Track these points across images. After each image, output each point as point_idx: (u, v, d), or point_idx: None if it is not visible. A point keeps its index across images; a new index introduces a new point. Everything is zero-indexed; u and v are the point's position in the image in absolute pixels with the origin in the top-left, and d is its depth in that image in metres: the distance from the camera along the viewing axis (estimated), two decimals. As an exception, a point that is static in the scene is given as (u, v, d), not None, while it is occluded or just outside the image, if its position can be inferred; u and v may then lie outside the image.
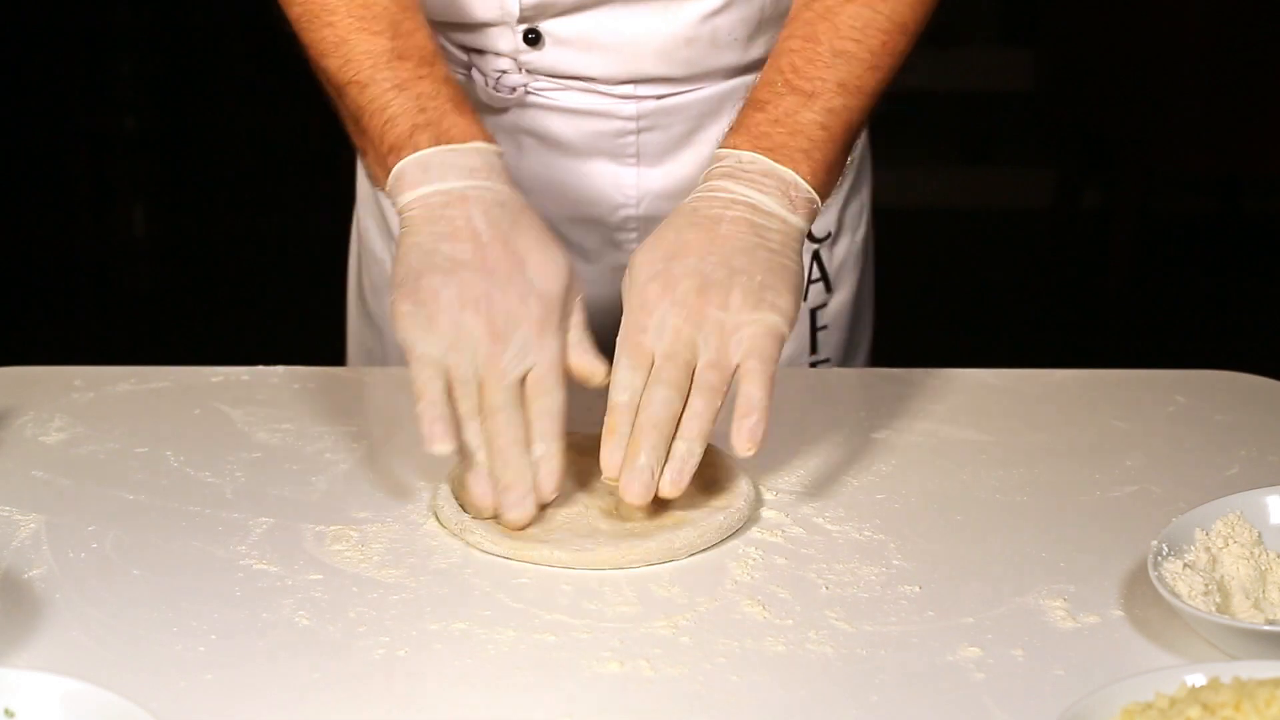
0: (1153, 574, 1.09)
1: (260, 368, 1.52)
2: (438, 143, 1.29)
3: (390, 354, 1.67)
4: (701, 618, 1.12)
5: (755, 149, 1.31)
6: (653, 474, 1.20)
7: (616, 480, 1.20)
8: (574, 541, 1.19)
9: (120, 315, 4.41)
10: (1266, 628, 1.04)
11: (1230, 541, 1.14)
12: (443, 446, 1.20)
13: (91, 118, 4.77)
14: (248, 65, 5.07)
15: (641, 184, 1.57)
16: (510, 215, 1.27)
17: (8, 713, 0.94)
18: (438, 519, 1.24)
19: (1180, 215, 4.98)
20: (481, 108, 1.51)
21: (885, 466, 1.34)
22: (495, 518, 1.21)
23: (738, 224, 1.28)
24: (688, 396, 1.22)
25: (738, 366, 1.23)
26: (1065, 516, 1.26)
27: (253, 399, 1.46)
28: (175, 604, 1.12)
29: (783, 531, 1.23)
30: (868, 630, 1.10)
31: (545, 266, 1.26)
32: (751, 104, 1.35)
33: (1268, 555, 1.13)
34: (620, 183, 1.57)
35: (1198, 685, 0.95)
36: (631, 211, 1.58)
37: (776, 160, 1.30)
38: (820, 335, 1.64)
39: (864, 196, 1.68)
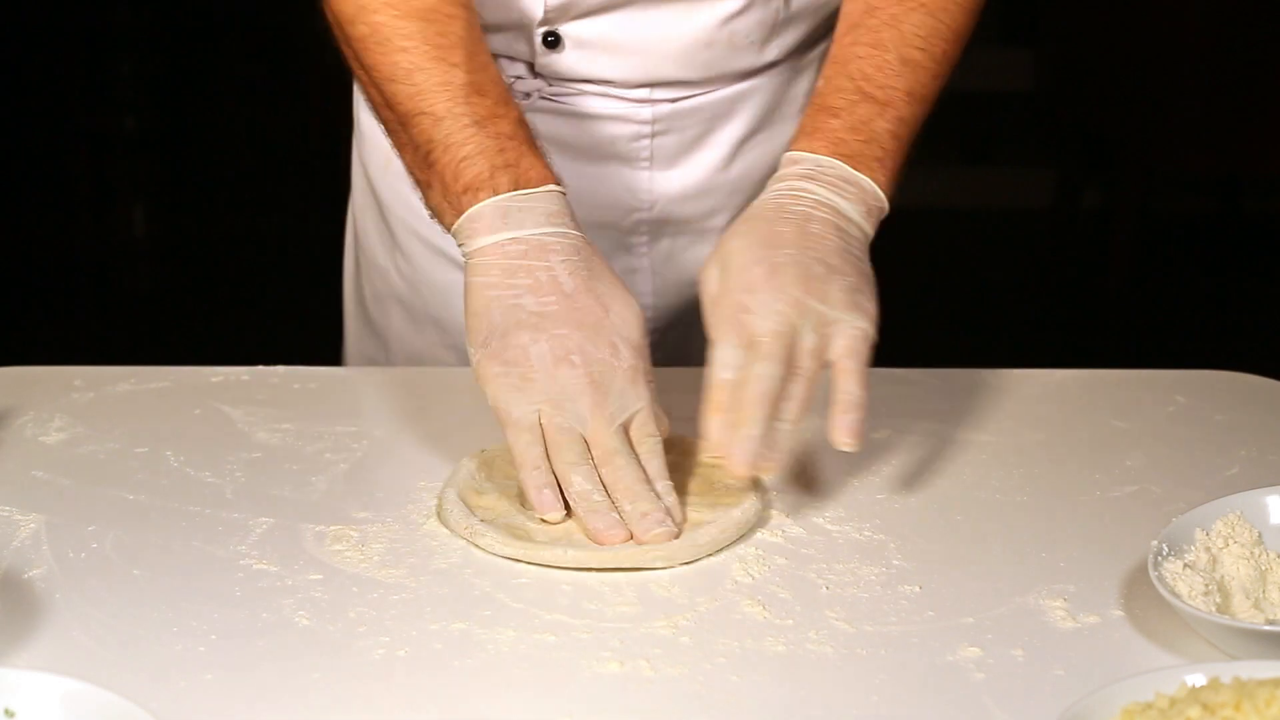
0: (1153, 574, 1.09)
1: (260, 368, 1.52)
2: (516, 186, 1.27)
3: (394, 364, 1.66)
4: (701, 618, 1.12)
5: (834, 154, 1.32)
6: (759, 445, 1.20)
7: (719, 456, 1.21)
8: (589, 544, 1.19)
9: (120, 315, 4.41)
10: (1266, 628, 1.04)
11: (1230, 541, 1.14)
12: (554, 514, 1.21)
13: (91, 118, 4.77)
14: (248, 65, 5.07)
15: (655, 188, 1.56)
16: (586, 263, 1.27)
17: (8, 713, 0.94)
18: (446, 524, 1.23)
19: (1180, 215, 4.98)
20: None
21: (885, 466, 1.34)
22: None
23: (826, 225, 1.28)
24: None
25: (831, 362, 1.24)
26: (1065, 516, 1.26)
27: (253, 399, 1.46)
28: (175, 604, 1.12)
29: (783, 531, 1.23)
30: (868, 630, 1.10)
31: (626, 313, 1.26)
32: (823, 109, 1.35)
33: (1268, 555, 1.13)
34: (633, 186, 1.56)
35: (1198, 685, 0.95)
36: (644, 215, 1.57)
37: (854, 167, 1.31)
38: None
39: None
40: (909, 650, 1.08)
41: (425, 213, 1.57)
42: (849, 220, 1.30)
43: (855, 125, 1.33)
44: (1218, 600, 1.09)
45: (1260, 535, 1.15)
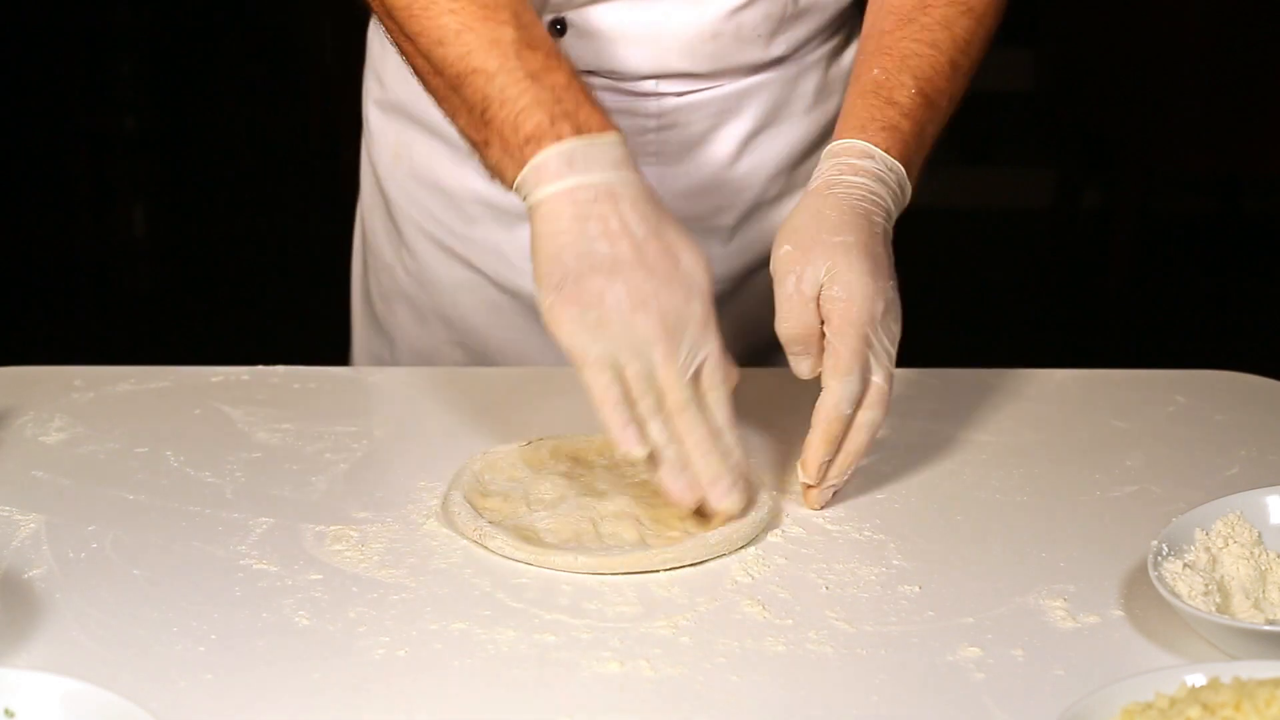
0: (1153, 574, 1.09)
1: (260, 368, 1.52)
2: (579, 133, 1.25)
3: (402, 363, 1.66)
4: (701, 618, 1.12)
5: (900, 159, 1.33)
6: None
7: (807, 484, 1.27)
8: (599, 547, 1.19)
9: (120, 315, 4.42)
10: (1266, 628, 1.04)
11: (1230, 541, 1.14)
12: (639, 450, 1.20)
13: (91, 118, 4.78)
14: (248, 65, 5.08)
15: (661, 183, 1.55)
16: (654, 210, 1.25)
17: (8, 713, 0.94)
18: (453, 526, 1.23)
19: (1180, 215, 4.98)
20: None
21: (885, 466, 1.34)
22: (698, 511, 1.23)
23: (884, 240, 1.30)
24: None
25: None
26: (1065, 516, 1.26)
27: (253, 399, 1.46)
28: (175, 604, 1.12)
29: (783, 531, 1.23)
30: (868, 630, 1.10)
31: (696, 262, 1.24)
32: (890, 103, 1.35)
33: (1268, 555, 1.14)
34: None
35: (1198, 685, 0.95)
36: None
37: (909, 176, 1.33)
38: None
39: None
40: (909, 650, 1.08)
41: (433, 210, 1.56)
42: (889, 232, 1.31)
43: (918, 131, 1.34)
44: (1218, 600, 1.09)
45: (1260, 535, 1.15)
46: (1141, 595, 1.13)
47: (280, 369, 1.51)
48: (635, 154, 1.48)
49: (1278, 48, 4.17)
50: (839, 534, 1.23)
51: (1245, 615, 1.09)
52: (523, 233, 1.59)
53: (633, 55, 1.50)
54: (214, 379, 1.50)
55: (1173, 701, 0.93)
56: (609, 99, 1.52)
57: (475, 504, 1.24)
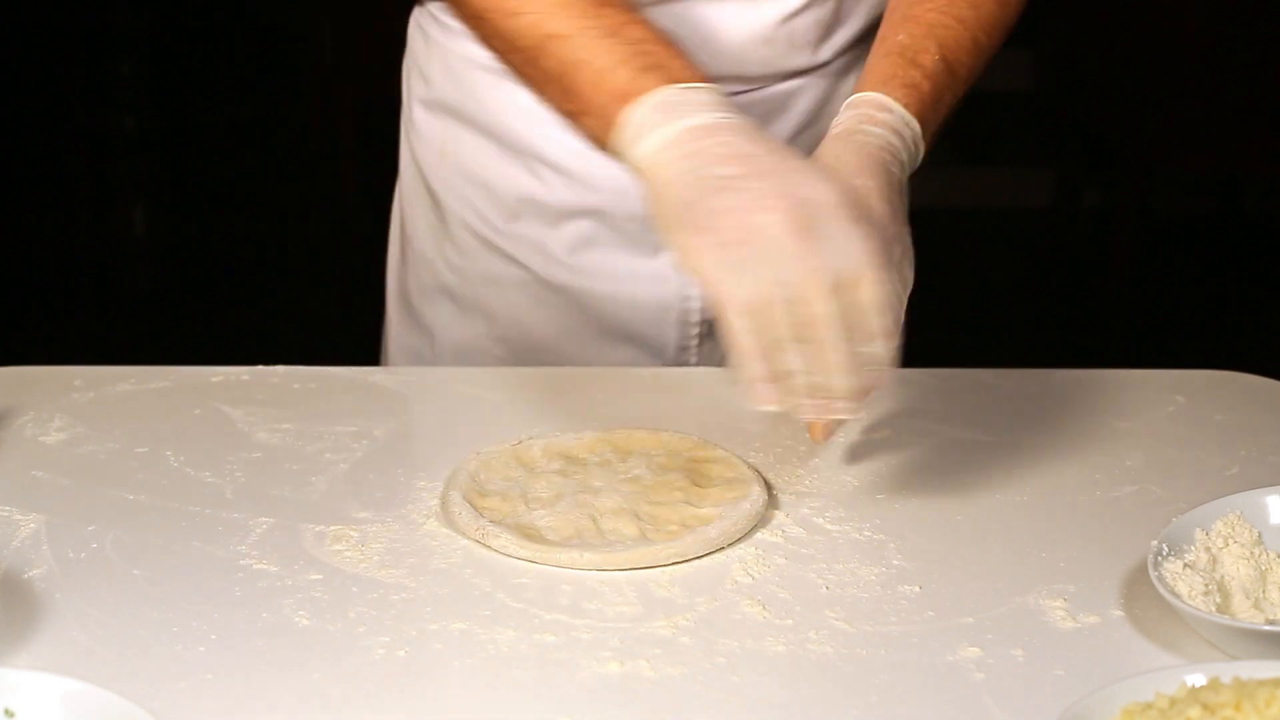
0: (1153, 574, 1.09)
1: (260, 368, 1.52)
2: (670, 82, 1.19)
3: (442, 359, 1.65)
4: (701, 618, 1.12)
5: (917, 118, 1.30)
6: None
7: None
8: (602, 543, 1.19)
9: (120, 315, 4.42)
10: (1266, 628, 1.04)
11: (1230, 541, 1.14)
12: (771, 407, 1.14)
13: (91, 118, 4.77)
14: (247, 65, 5.08)
15: None
16: (767, 139, 1.18)
17: (8, 713, 0.94)
18: (453, 525, 1.23)
19: (1180, 215, 4.98)
20: None
21: (885, 466, 1.34)
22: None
23: (900, 189, 1.26)
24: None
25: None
26: (1065, 516, 1.26)
27: (253, 399, 1.46)
28: (175, 604, 1.12)
29: (783, 531, 1.23)
30: (868, 630, 1.10)
31: (819, 171, 1.17)
32: (913, 64, 1.32)
33: (1268, 555, 1.14)
34: None
35: (1198, 685, 0.95)
36: None
37: (924, 139, 1.31)
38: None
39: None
40: (909, 650, 1.08)
41: (478, 205, 1.53)
42: (905, 184, 1.29)
43: (939, 96, 1.32)
44: (1218, 600, 1.09)
45: (1260, 535, 1.15)
46: (1141, 595, 1.13)
47: (280, 369, 1.51)
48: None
49: (1278, 48, 4.17)
50: (839, 534, 1.23)
51: (1245, 615, 1.09)
52: (567, 229, 1.58)
53: None
54: (214, 379, 1.50)
55: (1173, 701, 0.93)
56: None
57: (474, 504, 1.24)
